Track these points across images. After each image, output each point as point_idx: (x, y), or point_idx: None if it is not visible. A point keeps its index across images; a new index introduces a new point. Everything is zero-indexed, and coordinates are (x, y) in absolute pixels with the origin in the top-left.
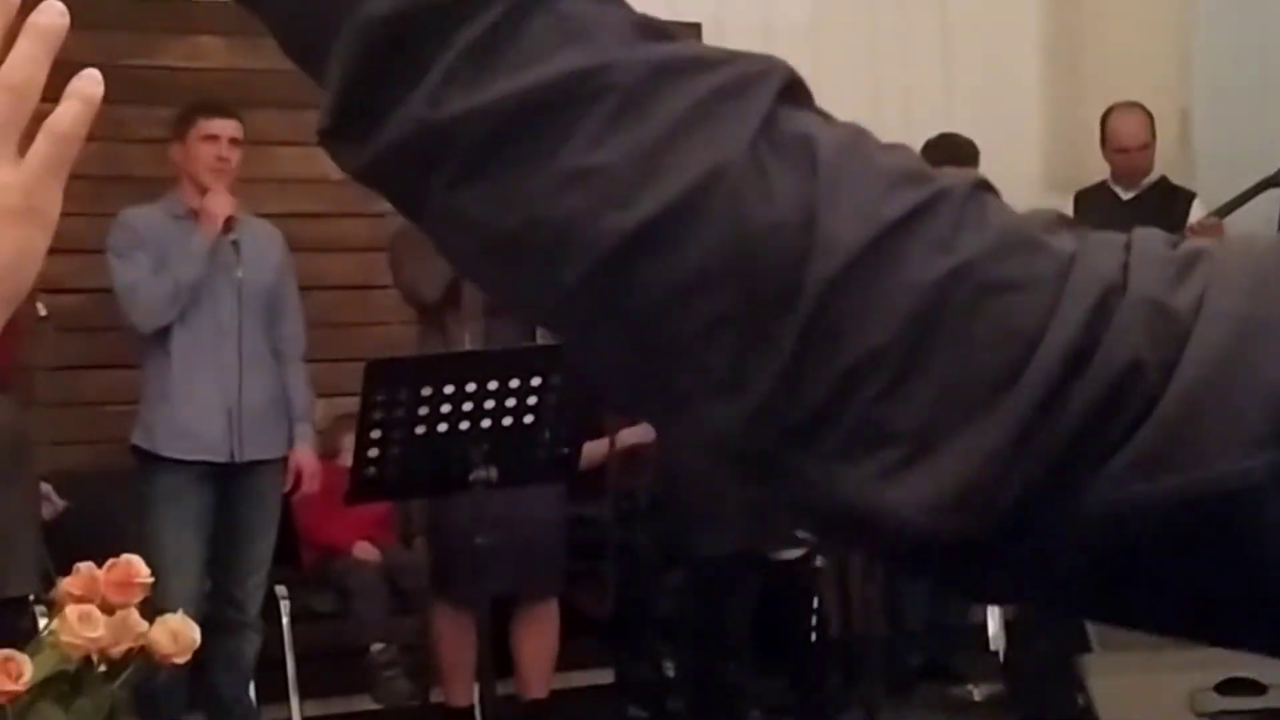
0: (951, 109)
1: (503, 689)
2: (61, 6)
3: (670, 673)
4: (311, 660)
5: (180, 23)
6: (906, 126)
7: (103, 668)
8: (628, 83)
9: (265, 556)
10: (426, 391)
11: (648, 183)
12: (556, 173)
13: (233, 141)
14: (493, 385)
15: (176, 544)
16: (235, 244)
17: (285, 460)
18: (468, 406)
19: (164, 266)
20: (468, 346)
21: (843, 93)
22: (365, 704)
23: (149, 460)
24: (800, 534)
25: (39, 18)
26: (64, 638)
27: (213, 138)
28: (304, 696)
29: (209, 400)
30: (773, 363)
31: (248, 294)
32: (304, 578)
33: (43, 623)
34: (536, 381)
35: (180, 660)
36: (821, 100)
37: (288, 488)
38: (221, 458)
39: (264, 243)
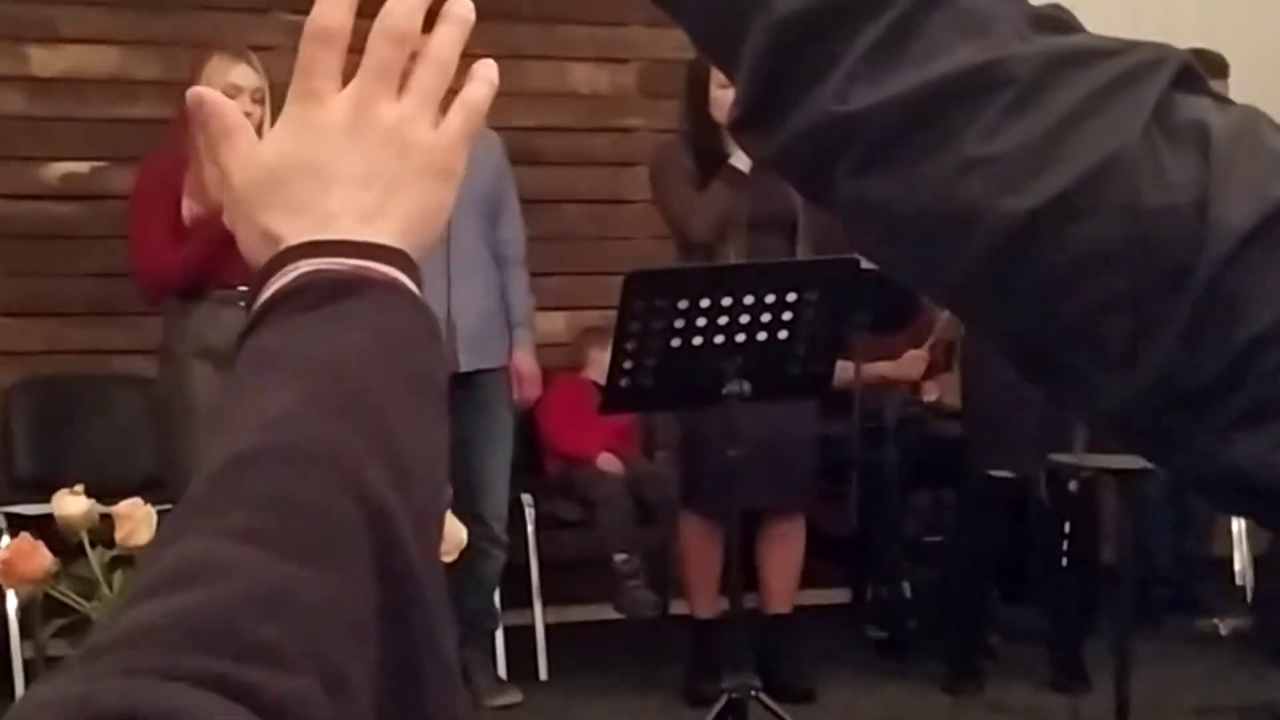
0: (1213, 28)
1: (745, 603)
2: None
3: (908, 594)
4: (554, 568)
5: None
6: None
7: None
8: (1024, 74)
9: (503, 470)
10: (683, 304)
11: (1045, 168)
12: (957, 160)
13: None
14: (749, 300)
15: None
16: None
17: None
18: (723, 320)
19: None
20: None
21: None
22: (606, 613)
23: None
24: (1051, 456)
25: (455, 7)
26: None
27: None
28: (546, 603)
29: None
30: (1166, 340)
31: (461, 208)
32: (548, 487)
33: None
34: (792, 297)
35: (448, 559)
36: (1078, 15)
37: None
38: None
39: (480, 150)
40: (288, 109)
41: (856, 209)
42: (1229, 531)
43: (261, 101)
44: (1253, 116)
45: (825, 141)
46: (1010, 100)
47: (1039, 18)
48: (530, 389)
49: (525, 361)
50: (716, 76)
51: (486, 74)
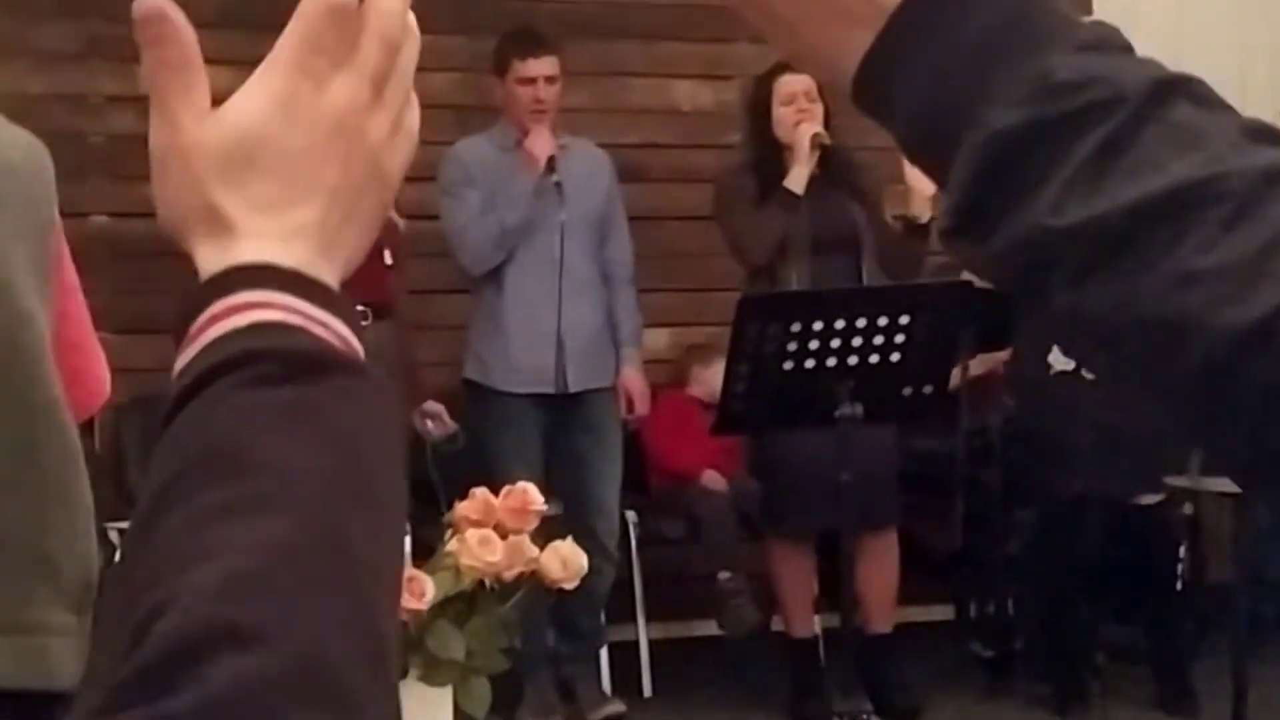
0: None
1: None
2: None
3: (1012, 611)
4: (658, 583)
5: None
6: (1273, 86)
7: (495, 589)
8: (1240, 189)
9: (614, 487)
10: (796, 328)
11: (1262, 283)
12: (1172, 274)
13: (548, 80)
14: (861, 323)
15: (519, 467)
16: (558, 185)
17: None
18: (835, 343)
19: (492, 204)
20: (795, 286)
21: (1206, 26)
22: (708, 629)
23: (483, 392)
24: (1166, 479)
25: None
26: (464, 560)
27: (529, 80)
28: (650, 619)
29: (537, 333)
30: None
31: (571, 230)
32: (653, 504)
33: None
34: (905, 320)
35: (569, 586)
36: (1185, 35)
37: (624, 412)
38: (551, 389)
39: (590, 170)
40: (279, 74)
41: (1072, 318)
42: None
43: None
44: None
45: (1039, 254)
46: (1227, 214)
47: (1252, 130)
48: (640, 407)
49: (635, 380)
50: (779, 94)
51: (415, 100)
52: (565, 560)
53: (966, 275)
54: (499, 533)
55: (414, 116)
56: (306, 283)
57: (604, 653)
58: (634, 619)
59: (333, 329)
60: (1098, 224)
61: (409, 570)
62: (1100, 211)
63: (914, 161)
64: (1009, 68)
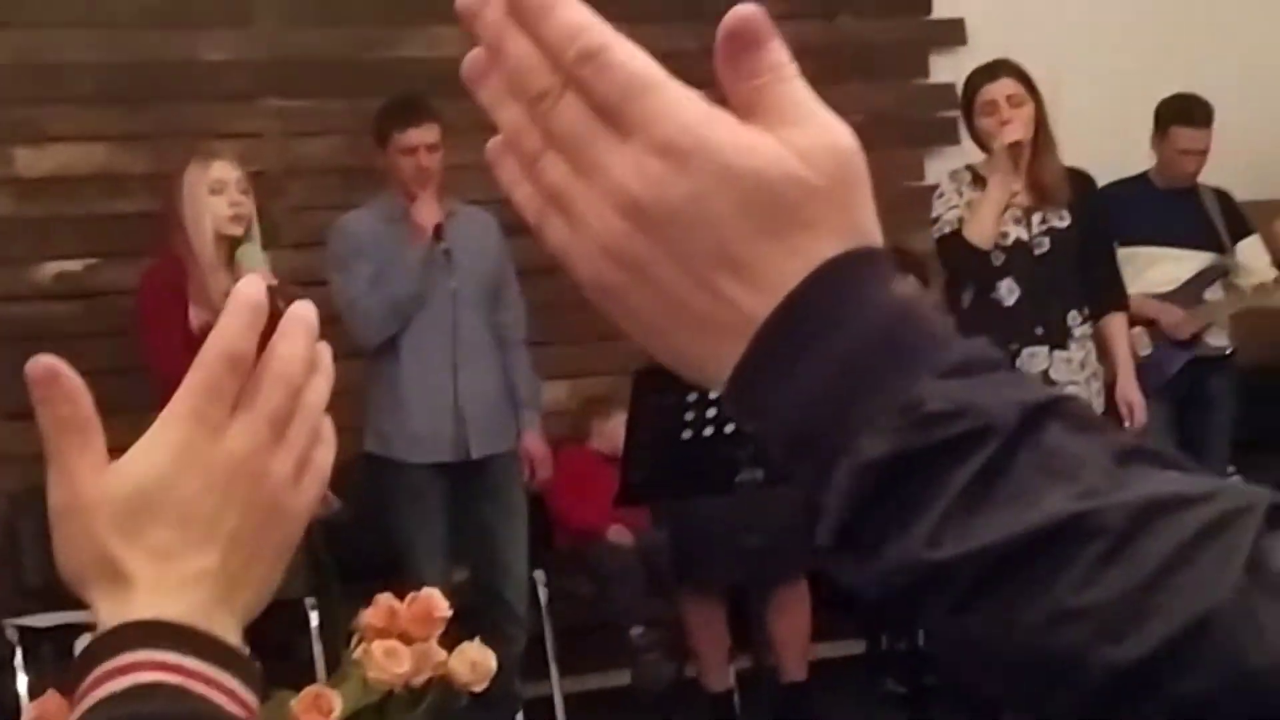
0: (1198, 67)
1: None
2: (258, 289)
3: (923, 645)
4: (569, 637)
5: (420, 14)
6: (1150, 86)
7: (404, 696)
8: (1114, 524)
9: (521, 551)
10: (692, 397)
11: (1139, 622)
12: (1050, 610)
13: (430, 149)
14: None
15: (424, 539)
16: (447, 252)
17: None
18: None
19: (382, 277)
20: None
21: (1083, 55)
22: (624, 679)
23: (384, 464)
24: None
25: (325, 357)
26: (370, 673)
27: (410, 150)
28: (563, 673)
29: (435, 402)
30: None
31: (463, 297)
32: (560, 562)
33: (314, 617)
34: None
35: (478, 688)
36: (1061, 65)
37: (527, 477)
38: (453, 457)
39: (478, 233)
40: (177, 424)
41: (954, 641)
42: None
43: (247, 192)
44: None
45: (917, 585)
46: (1101, 551)
47: (1126, 453)
48: (542, 470)
49: (535, 444)
50: None
51: (327, 432)
52: (474, 663)
53: None
54: (404, 640)
55: (325, 453)
56: (196, 637)
57: (519, 715)
58: (548, 675)
59: (219, 684)
60: (974, 559)
61: (316, 688)
62: (976, 547)
63: (781, 465)
64: (878, 393)
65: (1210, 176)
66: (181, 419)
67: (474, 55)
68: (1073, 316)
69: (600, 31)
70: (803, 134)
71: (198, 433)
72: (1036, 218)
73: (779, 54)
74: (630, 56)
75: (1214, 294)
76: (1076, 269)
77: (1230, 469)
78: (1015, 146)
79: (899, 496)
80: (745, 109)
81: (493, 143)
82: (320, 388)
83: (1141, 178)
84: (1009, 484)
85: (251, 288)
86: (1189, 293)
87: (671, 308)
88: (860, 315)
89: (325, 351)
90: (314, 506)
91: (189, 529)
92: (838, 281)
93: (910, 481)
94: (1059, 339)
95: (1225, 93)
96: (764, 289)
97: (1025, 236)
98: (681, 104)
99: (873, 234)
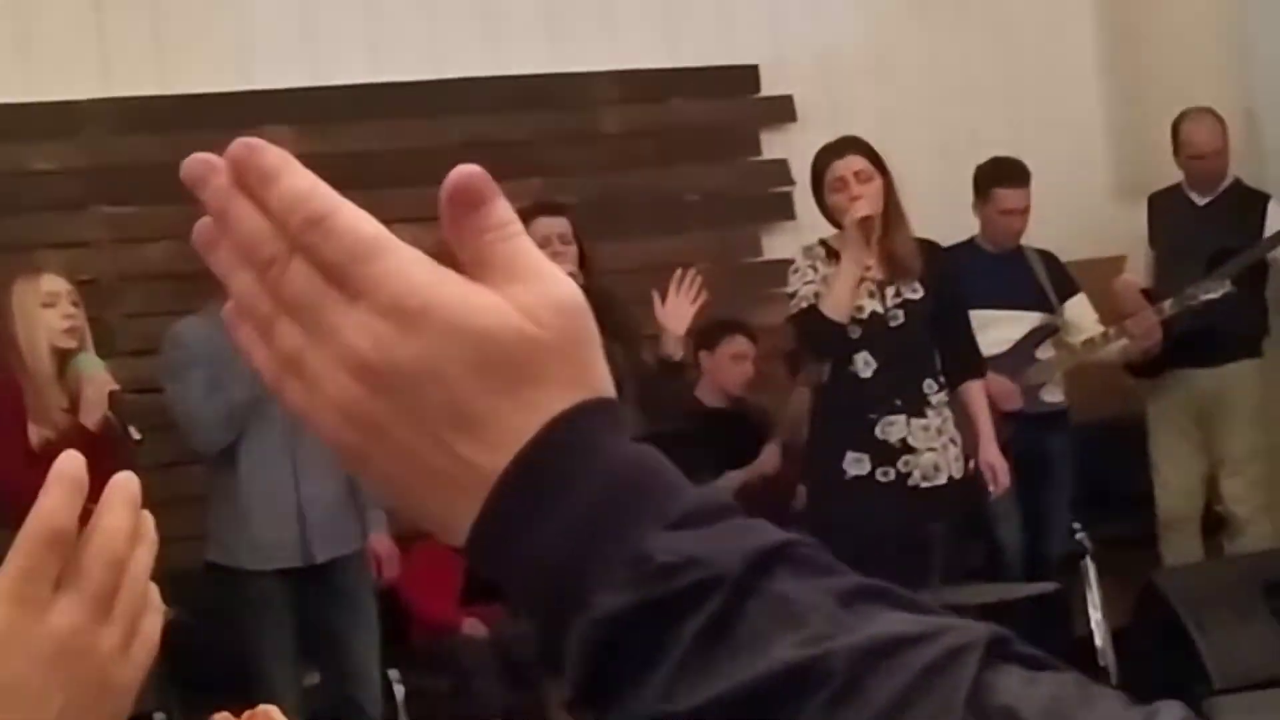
0: (1018, 133)
1: None
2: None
3: None
4: None
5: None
6: (975, 153)
7: None
8: (841, 669)
9: (371, 655)
10: None
11: None
12: None
13: None
14: None
15: (271, 648)
16: None
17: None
18: None
19: (218, 383)
20: None
21: (909, 126)
22: None
23: (228, 573)
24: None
25: (148, 528)
26: None
27: None
28: None
29: (277, 508)
30: None
31: None
32: (416, 658)
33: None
34: None
35: None
36: (888, 137)
37: (375, 576)
38: (298, 561)
39: None
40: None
41: None
42: None
43: (78, 304)
44: (1062, 691)
45: None
46: (827, 698)
47: (850, 592)
48: (389, 569)
49: (382, 543)
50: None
51: (154, 600)
52: None
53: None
54: None
55: (153, 620)
56: None
57: None
58: None
59: None
60: (706, 710)
61: None
62: (707, 697)
63: (532, 624)
64: (610, 549)
65: (1034, 239)
66: (2, 602)
67: (203, 224)
68: (929, 385)
69: (325, 197)
70: (528, 291)
71: (20, 614)
72: (890, 290)
73: (503, 212)
74: (357, 221)
75: (1045, 352)
76: (931, 339)
77: (1075, 525)
78: (866, 221)
79: (634, 649)
80: (474, 268)
81: (227, 308)
82: (144, 558)
83: (969, 243)
84: (738, 633)
85: (69, 463)
86: (1021, 352)
87: (410, 467)
88: (590, 470)
89: (148, 520)
90: (143, 674)
91: (16, 710)
92: (568, 435)
93: (644, 634)
94: (916, 408)
95: (1045, 155)
96: (497, 446)
97: (880, 309)
98: (408, 266)
99: (603, 385)
